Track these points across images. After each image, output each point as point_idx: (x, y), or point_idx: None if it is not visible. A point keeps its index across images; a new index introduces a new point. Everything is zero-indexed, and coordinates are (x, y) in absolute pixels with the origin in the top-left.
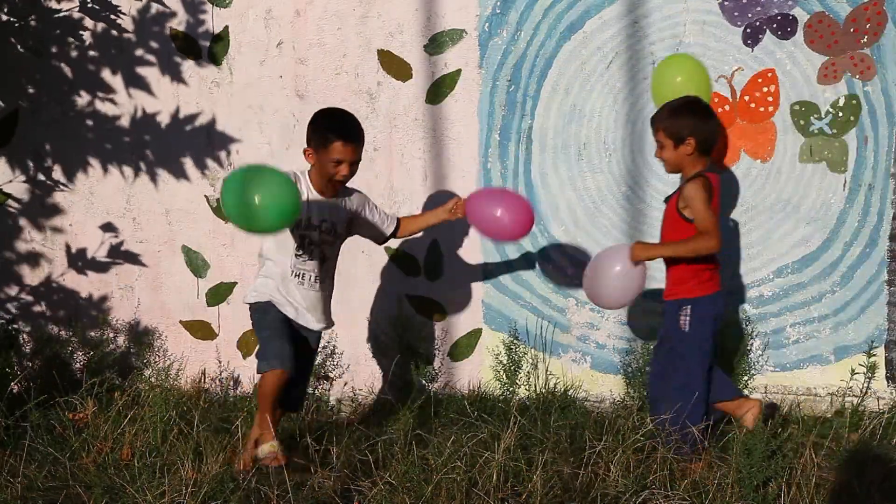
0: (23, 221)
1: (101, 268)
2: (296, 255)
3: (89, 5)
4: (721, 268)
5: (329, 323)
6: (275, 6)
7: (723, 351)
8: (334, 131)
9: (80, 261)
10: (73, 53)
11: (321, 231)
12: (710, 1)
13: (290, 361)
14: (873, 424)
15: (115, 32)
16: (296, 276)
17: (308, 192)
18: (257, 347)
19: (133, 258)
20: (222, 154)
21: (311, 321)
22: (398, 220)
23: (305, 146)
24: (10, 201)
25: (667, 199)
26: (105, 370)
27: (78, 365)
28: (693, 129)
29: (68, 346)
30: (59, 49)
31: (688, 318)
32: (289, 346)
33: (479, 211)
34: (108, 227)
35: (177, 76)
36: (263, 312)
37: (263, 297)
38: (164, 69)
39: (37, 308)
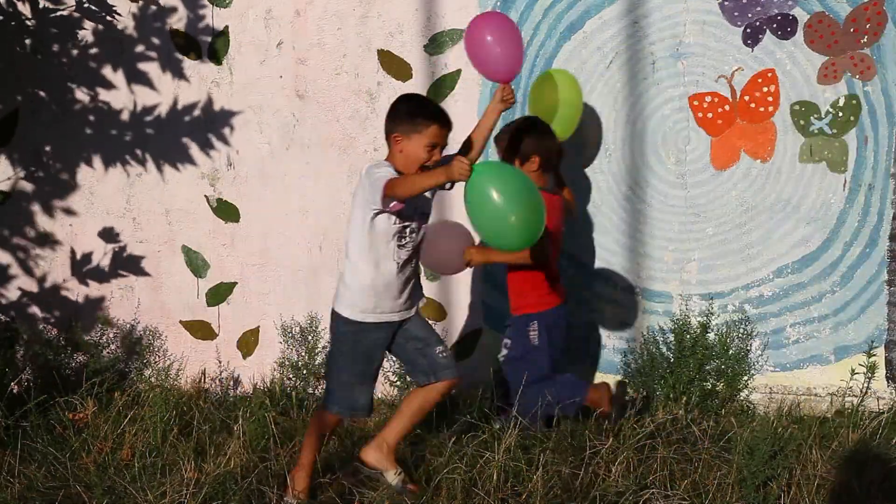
0: (23, 221)
1: (101, 268)
2: (398, 245)
3: (85, 6)
4: (561, 280)
5: (421, 296)
6: (275, 6)
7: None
8: (430, 115)
9: (79, 261)
10: (74, 52)
11: (418, 216)
12: (710, 1)
13: (362, 411)
14: (873, 424)
15: (113, 34)
16: (397, 264)
17: None
18: (328, 375)
19: (133, 258)
20: (222, 154)
21: (410, 307)
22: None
23: (393, 133)
24: (9, 201)
25: None
26: (105, 370)
27: (78, 365)
28: (537, 148)
29: (68, 347)
30: (58, 49)
31: (536, 333)
32: (370, 393)
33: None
34: (108, 227)
35: (177, 76)
36: (353, 344)
37: (358, 316)
38: (165, 69)
39: (37, 308)
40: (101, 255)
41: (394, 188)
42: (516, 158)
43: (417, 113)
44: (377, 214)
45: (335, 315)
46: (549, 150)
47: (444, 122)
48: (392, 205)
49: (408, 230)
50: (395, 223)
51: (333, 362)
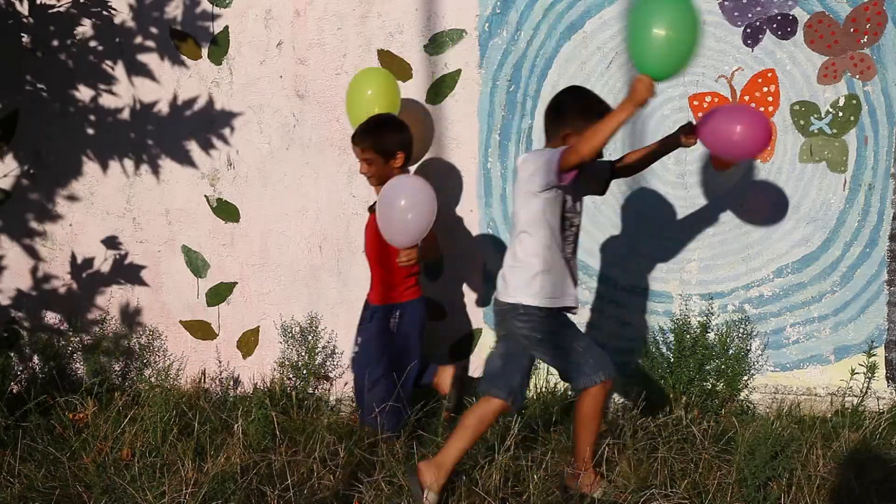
0: (23, 220)
1: (101, 268)
2: (563, 238)
3: (81, 1)
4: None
5: None
6: (275, 6)
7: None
8: (604, 112)
9: (79, 261)
10: (73, 49)
11: (577, 212)
12: (710, 1)
13: (521, 399)
14: (873, 424)
15: (112, 29)
16: (567, 257)
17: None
18: (492, 363)
19: (133, 258)
20: (222, 154)
21: (576, 296)
22: (611, 165)
23: (563, 128)
24: (10, 200)
25: (371, 209)
26: (105, 370)
27: (78, 365)
28: (401, 144)
29: (68, 347)
30: (57, 45)
31: (396, 321)
32: (527, 380)
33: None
34: (108, 228)
35: (176, 73)
36: (547, 333)
37: (546, 301)
38: (164, 69)
39: (36, 308)
40: (102, 256)
41: (574, 151)
42: (381, 155)
43: (591, 109)
44: (546, 199)
45: (523, 308)
46: (410, 144)
47: None
48: (564, 177)
49: (572, 224)
50: (559, 212)
51: (543, 353)
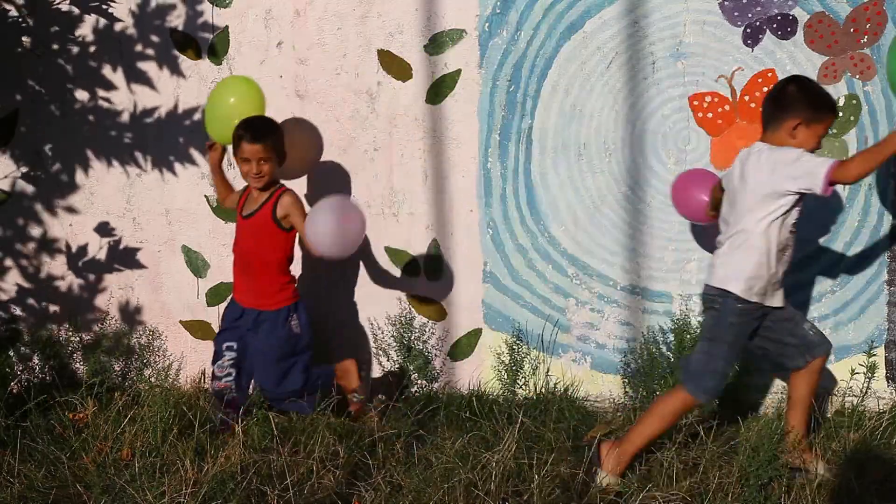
0: (23, 221)
1: (101, 268)
2: (791, 232)
3: None
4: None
5: None
6: (275, 6)
7: None
8: (833, 106)
9: (79, 261)
10: (74, 50)
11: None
12: (710, 1)
13: (716, 395)
14: (873, 424)
15: (113, 32)
16: (787, 253)
17: None
18: (702, 358)
19: (133, 258)
20: None
21: (779, 298)
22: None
23: (791, 118)
24: (9, 201)
25: (247, 216)
26: (105, 370)
27: (78, 365)
28: (284, 148)
29: (68, 346)
30: (57, 47)
31: (298, 322)
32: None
33: None
34: (108, 227)
35: (176, 75)
36: (740, 327)
37: (753, 296)
38: (164, 69)
39: (37, 308)
40: (102, 256)
41: (846, 171)
42: (278, 155)
43: (822, 102)
44: (787, 202)
45: (725, 293)
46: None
47: (837, 112)
48: (828, 189)
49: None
50: (795, 215)
51: (713, 347)
